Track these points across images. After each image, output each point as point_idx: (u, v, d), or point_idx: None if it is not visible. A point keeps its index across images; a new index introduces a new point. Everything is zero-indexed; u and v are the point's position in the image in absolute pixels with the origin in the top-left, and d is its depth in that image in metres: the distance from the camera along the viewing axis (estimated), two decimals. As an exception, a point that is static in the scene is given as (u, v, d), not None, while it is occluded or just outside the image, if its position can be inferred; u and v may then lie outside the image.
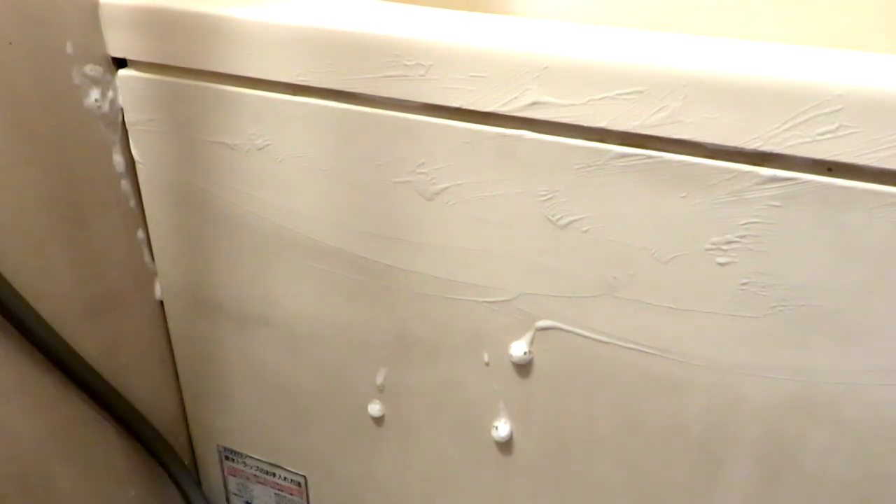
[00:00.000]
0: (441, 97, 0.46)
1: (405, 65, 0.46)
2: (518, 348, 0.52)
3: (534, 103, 0.44)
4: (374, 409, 0.61)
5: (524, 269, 0.50)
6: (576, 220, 0.47)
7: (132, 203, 0.61)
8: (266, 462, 0.71)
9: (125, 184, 0.60)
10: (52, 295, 0.56)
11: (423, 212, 0.51)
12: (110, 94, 0.57)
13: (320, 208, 0.54)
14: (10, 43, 0.49)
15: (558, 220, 0.47)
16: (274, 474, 0.71)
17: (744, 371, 0.46)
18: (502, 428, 0.56)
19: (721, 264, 0.44)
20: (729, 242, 0.43)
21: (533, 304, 0.51)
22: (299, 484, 0.70)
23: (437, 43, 0.45)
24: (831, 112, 0.38)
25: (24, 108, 0.51)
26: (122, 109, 0.58)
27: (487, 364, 0.54)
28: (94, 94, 0.56)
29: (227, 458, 0.73)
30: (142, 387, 0.67)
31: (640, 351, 0.49)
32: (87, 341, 0.60)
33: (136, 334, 0.66)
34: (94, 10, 0.54)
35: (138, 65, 0.56)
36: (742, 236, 0.43)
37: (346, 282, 0.56)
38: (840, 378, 0.44)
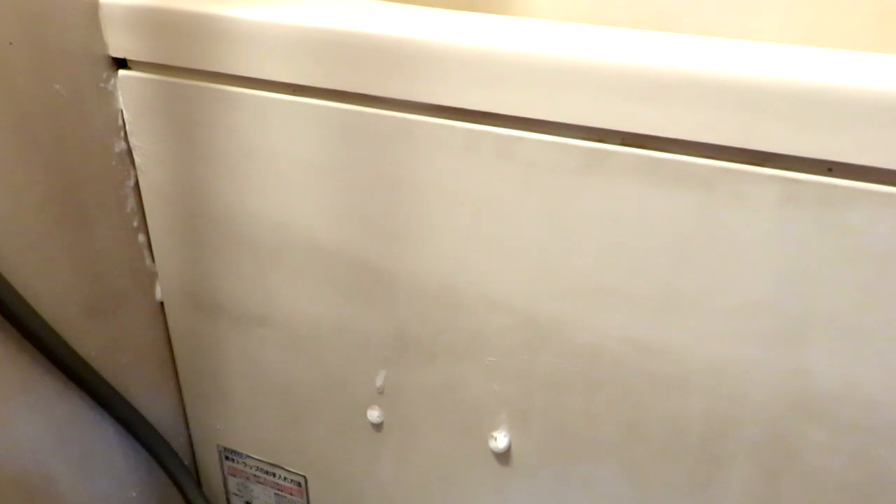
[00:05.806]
0: (441, 97, 0.46)
1: (405, 65, 0.46)
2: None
3: (533, 103, 0.44)
4: (374, 414, 0.61)
5: (524, 269, 0.50)
6: (576, 220, 0.47)
7: (132, 203, 0.61)
8: (266, 462, 0.71)
9: (125, 184, 0.60)
10: (52, 295, 0.56)
11: (422, 212, 0.51)
12: (110, 94, 0.57)
13: (320, 208, 0.54)
14: (11, 43, 0.49)
15: (558, 219, 0.47)
16: (274, 474, 0.71)
17: (744, 371, 0.46)
18: (501, 440, 0.56)
19: (720, 263, 0.44)
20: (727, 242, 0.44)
21: (533, 304, 0.51)
22: (299, 484, 0.70)
23: (437, 43, 0.45)
24: (831, 112, 0.38)
25: (24, 108, 0.51)
26: (122, 110, 0.58)
27: (487, 365, 0.54)
28: (95, 94, 0.56)
29: (227, 458, 0.73)
30: (142, 387, 0.67)
31: (641, 351, 0.49)
32: (87, 341, 0.60)
33: (137, 334, 0.66)
34: (95, 10, 0.54)
35: (138, 65, 0.56)
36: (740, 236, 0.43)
37: (346, 282, 0.56)
38: (840, 378, 0.44)
